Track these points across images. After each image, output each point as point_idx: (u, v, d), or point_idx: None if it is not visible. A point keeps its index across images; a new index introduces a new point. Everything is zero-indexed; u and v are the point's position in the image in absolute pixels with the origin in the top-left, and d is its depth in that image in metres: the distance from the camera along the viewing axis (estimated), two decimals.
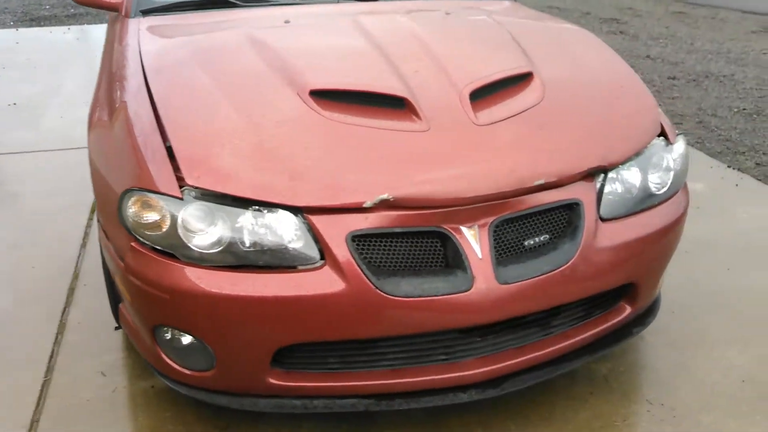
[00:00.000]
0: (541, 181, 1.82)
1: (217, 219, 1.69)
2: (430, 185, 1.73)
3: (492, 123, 1.92)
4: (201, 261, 1.69)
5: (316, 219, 1.69)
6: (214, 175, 1.71)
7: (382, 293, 1.67)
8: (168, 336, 1.81)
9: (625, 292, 2.06)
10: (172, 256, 1.71)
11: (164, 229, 1.69)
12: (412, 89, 1.97)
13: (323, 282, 1.67)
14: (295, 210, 1.70)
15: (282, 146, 1.79)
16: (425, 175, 1.75)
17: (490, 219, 1.79)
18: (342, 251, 1.67)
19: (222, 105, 1.92)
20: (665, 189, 2.07)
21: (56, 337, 2.41)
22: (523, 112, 1.98)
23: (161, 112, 1.89)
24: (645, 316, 2.20)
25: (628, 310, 2.08)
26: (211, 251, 1.68)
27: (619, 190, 1.97)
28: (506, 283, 1.75)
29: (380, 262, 1.72)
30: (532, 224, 1.84)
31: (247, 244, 1.68)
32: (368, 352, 1.81)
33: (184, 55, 2.22)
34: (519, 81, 2.11)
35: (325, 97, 1.95)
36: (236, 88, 2.00)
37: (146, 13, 2.69)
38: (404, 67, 2.08)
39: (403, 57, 2.15)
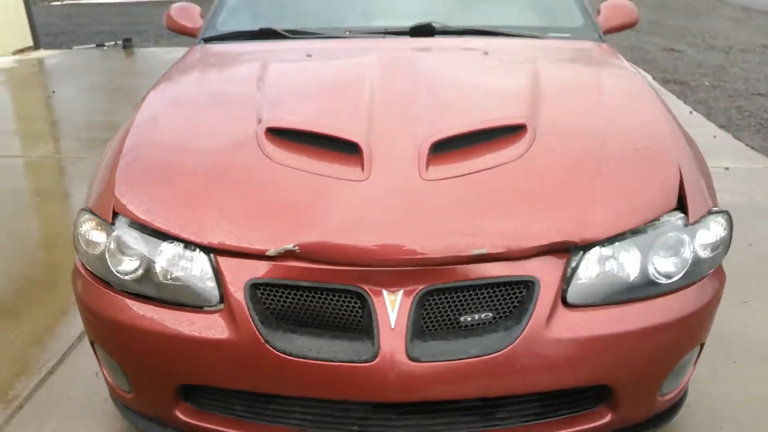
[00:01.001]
0: (482, 251, 1.56)
1: (140, 248, 1.70)
2: (344, 240, 1.57)
3: (442, 179, 1.70)
4: (121, 287, 1.71)
5: (222, 261, 1.63)
6: (140, 205, 1.72)
7: (270, 348, 1.55)
8: (100, 352, 1.86)
9: (607, 394, 1.70)
10: (102, 280, 1.75)
11: (96, 252, 1.74)
12: (372, 134, 1.82)
13: (216, 326, 1.60)
14: (207, 250, 1.65)
15: (214, 184, 1.74)
16: (341, 229, 1.59)
17: (419, 287, 1.58)
18: (238, 297, 1.59)
19: (184, 135, 1.93)
20: (676, 278, 1.67)
21: None
22: (487, 169, 1.73)
23: (130, 134, 1.96)
24: (645, 426, 1.80)
25: (609, 416, 1.72)
26: (129, 278, 1.70)
27: (602, 273, 1.63)
28: (417, 360, 1.53)
29: (282, 315, 1.60)
30: (473, 299, 1.59)
31: (161, 277, 1.67)
32: (273, 407, 1.70)
33: (193, 79, 2.28)
34: (506, 134, 1.84)
35: (282, 135, 1.86)
36: (210, 120, 2.00)
37: (207, 41, 2.81)
38: (384, 109, 1.92)
39: (390, 98, 1.98)
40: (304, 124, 1.86)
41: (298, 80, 2.21)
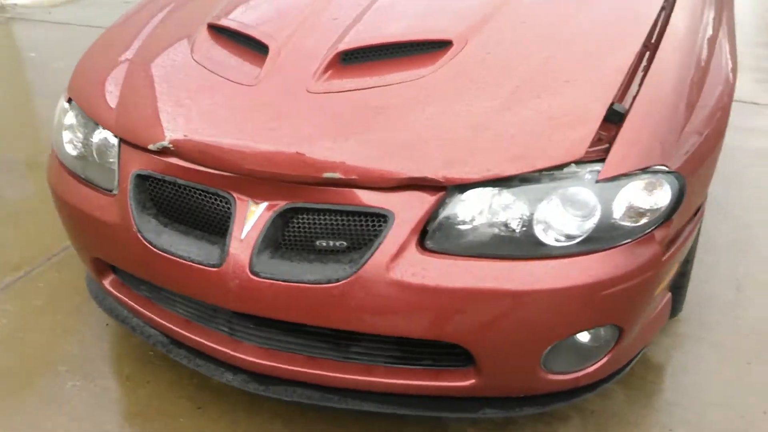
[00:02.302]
0: (334, 175, 1.46)
1: (81, 130, 1.86)
2: (209, 141, 1.57)
3: (327, 92, 1.58)
4: (66, 163, 1.90)
5: (123, 149, 1.72)
6: (81, 92, 1.87)
7: (140, 237, 1.64)
8: None
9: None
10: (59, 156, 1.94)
11: (54, 127, 1.95)
12: (292, 40, 1.74)
13: (110, 210, 1.72)
14: (118, 138, 1.75)
15: (139, 79, 1.81)
16: (210, 132, 1.58)
17: (282, 202, 1.54)
18: (125, 186, 1.68)
19: (143, 35, 2.00)
20: (574, 241, 1.42)
21: None
22: (377, 87, 1.57)
23: (105, 31, 2.13)
24: (529, 402, 1.60)
25: (473, 380, 1.55)
26: (69, 155, 1.88)
27: (474, 221, 1.44)
28: (256, 274, 1.52)
29: (161, 209, 1.67)
30: (330, 225, 1.52)
31: (85, 156, 1.82)
32: (164, 294, 1.81)
33: None
34: (427, 49, 1.65)
35: (220, 32, 1.87)
36: (170, 22, 2.05)
37: None
38: (319, 16, 1.82)
39: (328, 5, 1.87)
40: (234, 25, 1.85)
41: None
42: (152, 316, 1.83)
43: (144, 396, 1.95)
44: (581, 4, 1.84)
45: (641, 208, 1.43)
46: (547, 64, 1.60)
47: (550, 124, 1.46)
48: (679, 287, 1.86)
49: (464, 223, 1.45)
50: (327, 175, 1.47)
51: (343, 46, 1.67)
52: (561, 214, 1.43)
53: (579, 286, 1.41)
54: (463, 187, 1.44)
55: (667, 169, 1.45)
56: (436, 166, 1.43)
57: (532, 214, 1.43)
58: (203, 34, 1.90)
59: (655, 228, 1.45)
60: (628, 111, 1.49)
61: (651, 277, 1.49)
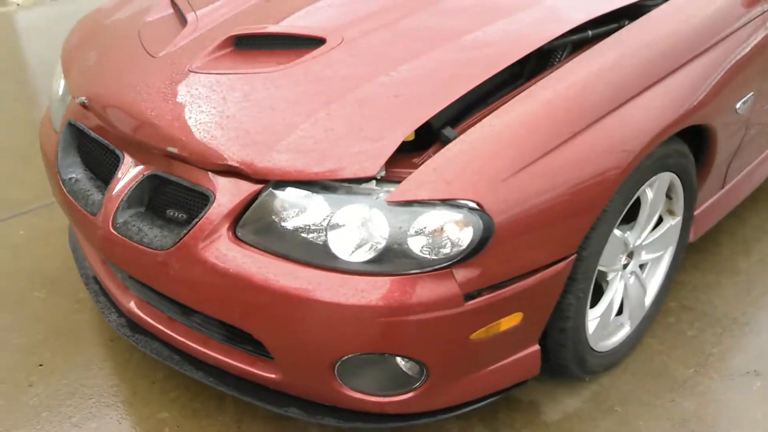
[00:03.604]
0: (173, 150, 1.55)
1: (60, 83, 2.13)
2: (107, 104, 1.73)
3: (203, 72, 1.66)
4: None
5: (70, 101, 1.96)
6: (65, 59, 2.09)
7: (58, 177, 1.86)
8: None
9: None
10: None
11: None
12: (210, 15, 1.84)
13: (52, 147, 1.96)
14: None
15: (95, 41, 2.04)
16: (111, 95, 1.74)
17: (150, 168, 1.67)
18: (62, 129, 1.92)
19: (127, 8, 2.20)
20: (362, 259, 1.38)
21: None
22: (242, 73, 1.62)
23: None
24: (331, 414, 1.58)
25: (276, 375, 1.57)
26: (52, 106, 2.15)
27: (275, 217, 1.45)
28: (116, 230, 1.66)
29: (83, 156, 1.88)
30: (176, 196, 1.62)
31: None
32: None
33: None
34: (305, 44, 1.65)
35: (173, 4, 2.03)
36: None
37: None
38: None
39: None
40: None
41: None
42: (85, 252, 2.07)
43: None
44: (472, 23, 1.71)
45: (437, 240, 1.33)
46: (389, 76, 1.53)
47: (358, 137, 1.41)
48: (561, 344, 1.67)
49: (271, 220, 1.46)
50: (169, 148, 1.56)
51: (237, 31, 1.74)
52: (353, 230, 1.38)
53: (354, 306, 1.36)
54: (279, 184, 1.45)
55: (475, 206, 1.33)
56: (250, 157, 1.46)
57: (328, 224, 1.39)
58: (163, 3, 2.06)
59: (452, 265, 1.34)
60: (455, 138, 1.38)
61: (452, 316, 1.38)
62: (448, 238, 1.33)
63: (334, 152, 1.41)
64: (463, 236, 1.33)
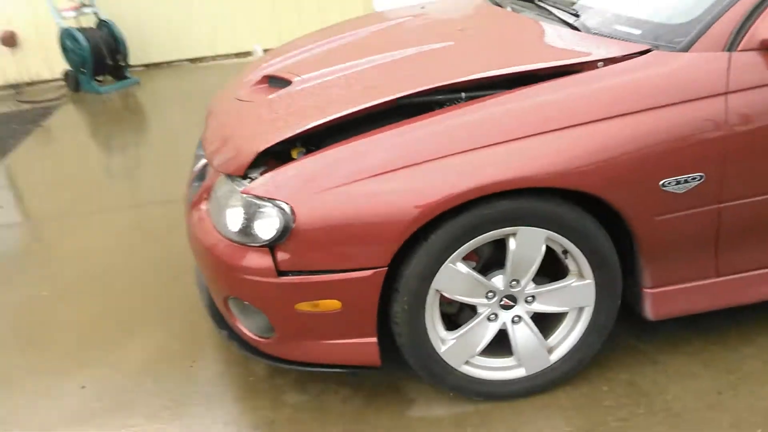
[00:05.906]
0: (203, 155, 2.37)
1: None
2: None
3: (239, 99, 2.43)
4: None
5: None
6: None
7: None
8: None
9: None
10: None
11: None
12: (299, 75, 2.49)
13: None
14: None
15: None
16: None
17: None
18: None
19: None
20: (234, 230, 1.98)
21: None
22: (244, 101, 2.39)
23: None
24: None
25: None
26: None
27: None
28: None
29: None
30: None
31: None
32: None
33: None
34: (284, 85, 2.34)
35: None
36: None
37: None
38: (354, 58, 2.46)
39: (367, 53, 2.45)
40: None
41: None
42: None
43: None
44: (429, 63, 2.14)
45: (262, 224, 1.85)
46: (288, 109, 2.08)
47: (250, 143, 2.00)
48: (400, 345, 1.98)
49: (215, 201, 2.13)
50: (202, 154, 2.38)
51: (267, 72, 2.48)
52: (233, 211, 1.96)
53: (223, 262, 1.97)
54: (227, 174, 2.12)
55: (285, 206, 1.83)
56: (218, 158, 2.16)
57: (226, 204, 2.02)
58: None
59: (268, 245, 1.86)
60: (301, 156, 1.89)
61: (272, 284, 1.88)
62: (269, 225, 1.85)
63: (237, 154, 2.03)
64: (274, 226, 1.83)
